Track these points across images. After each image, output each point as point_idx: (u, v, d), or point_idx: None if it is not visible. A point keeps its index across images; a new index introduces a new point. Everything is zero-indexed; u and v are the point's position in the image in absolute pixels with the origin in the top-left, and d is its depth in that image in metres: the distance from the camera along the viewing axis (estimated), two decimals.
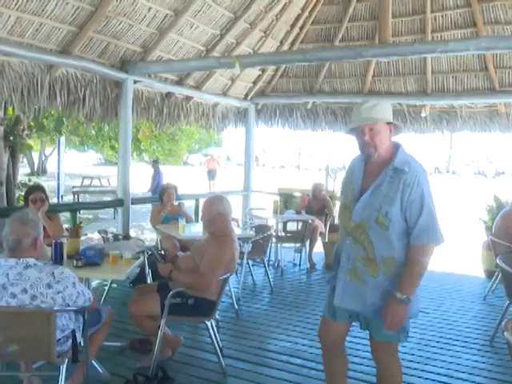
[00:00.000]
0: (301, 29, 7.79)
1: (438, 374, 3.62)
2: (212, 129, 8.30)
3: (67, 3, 4.73)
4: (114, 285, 5.34)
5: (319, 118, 8.47)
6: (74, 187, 15.87)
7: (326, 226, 7.18)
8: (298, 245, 6.98)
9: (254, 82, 8.25)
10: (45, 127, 9.37)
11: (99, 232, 4.80)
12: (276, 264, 6.88)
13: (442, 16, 6.96)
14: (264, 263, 5.87)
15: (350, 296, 2.47)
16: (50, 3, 4.61)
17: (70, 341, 2.61)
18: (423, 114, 7.80)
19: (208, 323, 3.42)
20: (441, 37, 7.04)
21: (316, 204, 7.43)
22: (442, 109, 7.88)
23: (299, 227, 6.95)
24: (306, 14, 7.58)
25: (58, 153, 13.40)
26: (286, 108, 8.67)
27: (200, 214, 3.83)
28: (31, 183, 9.29)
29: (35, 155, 26.33)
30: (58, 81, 5.26)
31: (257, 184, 9.09)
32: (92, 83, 5.65)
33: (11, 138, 8.79)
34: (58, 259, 3.24)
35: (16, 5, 4.38)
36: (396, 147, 2.46)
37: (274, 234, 6.39)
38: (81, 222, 4.22)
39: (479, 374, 3.64)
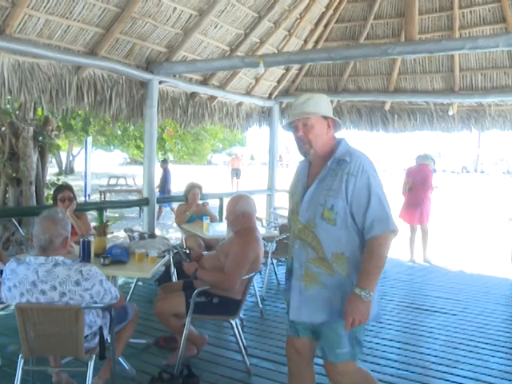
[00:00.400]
0: (325, 27, 7.74)
1: (465, 377, 3.55)
2: (236, 128, 8.32)
3: (94, 5, 4.81)
4: (140, 283, 5.41)
5: (344, 116, 8.40)
6: (100, 186, 16.14)
7: None
8: None
9: (278, 81, 8.23)
10: (72, 127, 9.54)
11: (125, 230, 4.87)
12: None
13: (471, 12, 6.81)
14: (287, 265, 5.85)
15: (308, 306, 2.30)
16: (78, 6, 4.69)
17: (98, 337, 2.66)
18: (450, 113, 7.65)
19: (233, 322, 3.43)
20: (469, 33, 6.89)
21: None
22: (470, 107, 7.72)
23: None
24: (331, 11, 7.53)
25: (85, 152, 13.66)
26: None
27: (224, 213, 3.84)
28: (59, 182, 9.47)
29: (63, 155, 26.87)
30: (85, 82, 5.34)
31: (281, 183, 9.06)
32: (118, 84, 5.73)
33: (40, 139, 8.99)
34: (85, 257, 3.30)
35: (45, 8, 4.47)
36: (338, 141, 2.35)
37: None
38: (107, 221, 4.30)
39: (508, 379, 3.55)
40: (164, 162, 12.86)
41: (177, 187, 15.22)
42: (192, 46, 6.23)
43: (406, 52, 4.88)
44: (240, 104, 8.11)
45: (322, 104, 2.32)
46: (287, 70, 8.00)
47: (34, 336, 2.51)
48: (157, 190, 14.04)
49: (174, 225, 8.64)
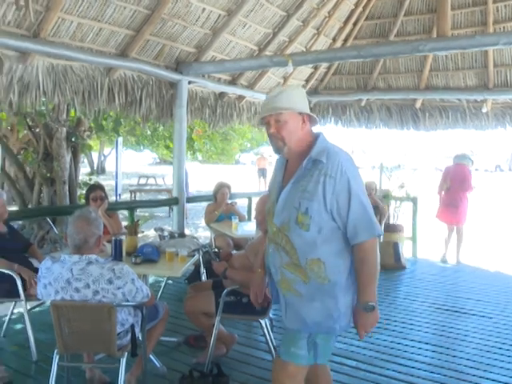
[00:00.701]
0: (354, 25, 7.65)
1: (500, 382, 3.46)
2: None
3: (124, 8, 4.88)
4: (170, 281, 5.47)
5: (373, 115, 8.30)
6: (130, 186, 16.40)
7: (380, 225, 7.04)
8: None
9: (307, 80, 8.19)
10: (104, 128, 9.72)
11: (155, 230, 4.93)
12: None
13: (505, 6, 6.62)
14: None
15: (291, 312, 2.19)
16: (109, 8, 4.77)
17: (130, 335, 2.70)
18: (484, 110, 7.45)
19: (262, 322, 3.43)
20: (504, 28, 6.70)
21: None
22: (505, 103, 7.50)
23: None
24: (360, 9, 7.44)
25: (115, 152, 13.90)
26: (338, 106, 8.56)
27: (253, 212, 3.84)
28: (91, 182, 9.68)
29: (94, 155, 27.43)
30: (116, 83, 5.43)
31: None
32: (148, 84, 5.80)
33: (73, 139, 9.20)
34: (117, 256, 3.35)
35: (77, 11, 4.55)
36: (315, 137, 2.18)
37: None
38: (138, 220, 4.35)
39: None
40: None
41: (206, 187, 15.35)
42: (221, 46, 6.26)
43: (439, 48, 4.78)
44: None
45: (296, 98, 2.16)
46: (316, 68, 7.95)
47: (69, 333, 2.57)
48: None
49: (203, 224, 8.71)
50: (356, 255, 2.07)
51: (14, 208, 9.11)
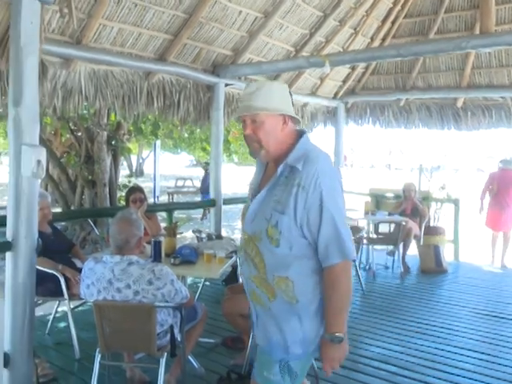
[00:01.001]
0: (393, 23, 7.51)
1: None
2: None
3: (163, 12, 4.95)
4: (207, 283, 5.51)
5: (412, 115, 8.12)
6: (168, 188, 16.66)
7: (420, 228, 6.88)
8: (391, 247, 6.75)
9: (344, 81, 8.10)
10: (143, 131, 9.91)
11: (193, 231, 4.98)
12: (367, 267, 6.70)
13: None
14: (355, 265, 5.74)
15: (260, 327, 1.97)
16: (148, 14, 4.85)
17: (169, 335, 2.73)
18: None
19: None
20: None
21: (409, 205, 7.13)
22: None
23: (392, 229, 6.71)
24: (398, 7, 7.30)
25: (154, 155, 14.15)
26: (376, 106, 8.42)
27: None
28: (131, 184, 9.88)
29: (133, 158, 27.99)
30: (154, 87, 5.52)
31: (346, 184, 8.93)
32: (186, 88, 5.87)
33: (113, 143, 9.43)
34: (156, 257, 3.40)
35: (118, 17, 4.66)
36: (298, 139, 1.91)
37: (365, 235, 6.21)
38: (177, 222, 4.41)
39: None
40: (207, 164, 14.02)
41: (242, 189, 15.43)
42: (257, 48, 6.27)
43: (482, 45, 4.62)
44: (305, 105, 8.06)
45: (275, 95, 1.88)
46: (353, 68, 7.84)
47: (110, 332, 2.62)
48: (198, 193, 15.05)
49: (240, 226, 8.75)
50: (326, 279, 1.82)
51: (57, 209, 9.41)
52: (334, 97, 8.33)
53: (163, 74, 5.51)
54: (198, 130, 13.00)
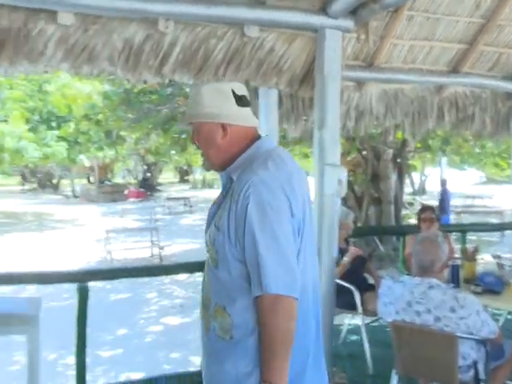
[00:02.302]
0: None
1: None
2: None
3: (457, 22, 4.69)
4: (510, 316, 4.87)
5: None
6: (455, 207, 15.70)
7: None
8: None
9: None
10: (431, 147, 9.64)
11: (493, 257, 4.49)
12: None
13: None
14: None
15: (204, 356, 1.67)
16: (440, 25, 4.67)
17: (473, 371, 2.49)
18: None
19: None
20: None
21: None
22: None
23: None
24: None
25: (440, 172, 13.59)
26: None
27: None
28: (415, 202, 9.69)
29: (414, 175, 27.50)
30: (445, 101, 5.26)
31: None
32: (480, 98, 5.40)
33: (398, 160, 9.45)
34: (454, 282, 3.18)
35: (409, 35, 4.64)
36: (250, 146, 1.60)
37: None
38: (477, 246, 4.07)
39: None
40: (444, 181, 12.52)
41: None
42: None
43: None
44: None
45: (204, 100, 1.60)
46: None
47: (408, 355, 2.56)
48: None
49: None
50: (258, 313, 1.48)
51: None
52: None
53: (456, 86, 5.20)
54: (490, 144, 11.91)
